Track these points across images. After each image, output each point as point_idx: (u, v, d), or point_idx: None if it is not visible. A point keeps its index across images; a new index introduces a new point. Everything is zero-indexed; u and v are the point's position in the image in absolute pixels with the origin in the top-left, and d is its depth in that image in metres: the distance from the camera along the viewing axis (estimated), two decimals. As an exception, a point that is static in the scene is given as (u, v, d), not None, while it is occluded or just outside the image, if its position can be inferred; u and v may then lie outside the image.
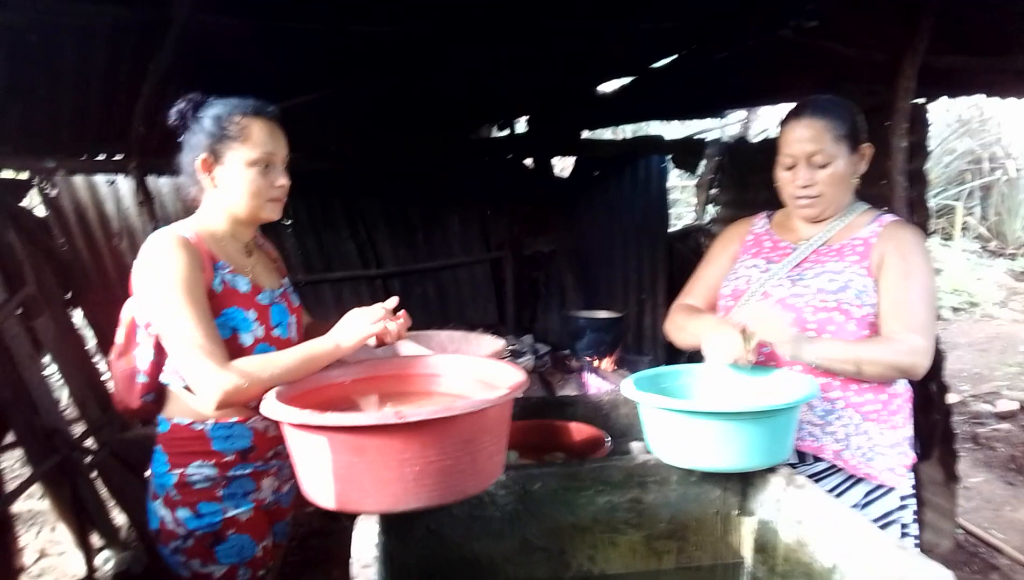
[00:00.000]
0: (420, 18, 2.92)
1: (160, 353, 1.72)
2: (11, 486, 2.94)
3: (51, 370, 3.45)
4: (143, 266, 1.64)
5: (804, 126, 1.79)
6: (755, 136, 5.91)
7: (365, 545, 1.20)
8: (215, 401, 1.55)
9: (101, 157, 3.74)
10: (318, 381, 1.60)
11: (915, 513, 1.89)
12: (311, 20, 2.88)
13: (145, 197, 3.58)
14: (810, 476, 1.71)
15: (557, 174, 5.77)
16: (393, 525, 1.33)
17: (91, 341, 3.73)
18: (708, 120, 6.03)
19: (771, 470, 1.53)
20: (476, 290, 5.40)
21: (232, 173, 1.69)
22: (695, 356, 2.10)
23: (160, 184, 3.95)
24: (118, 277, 3.79)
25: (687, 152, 5.33)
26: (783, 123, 1.86)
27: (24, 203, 3.62)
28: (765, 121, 7.42)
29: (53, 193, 3.65)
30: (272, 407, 1.35)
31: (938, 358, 2.86)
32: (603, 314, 4.73)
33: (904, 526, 1.84)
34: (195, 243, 1.66)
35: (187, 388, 1.69)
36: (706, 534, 1.57)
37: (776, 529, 1.48)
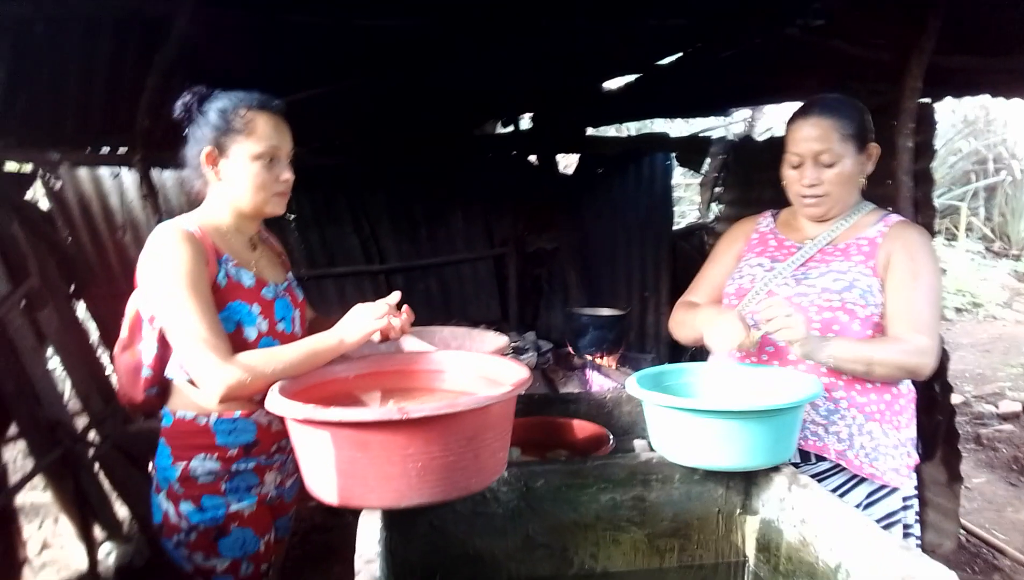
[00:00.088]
0: (424, 14, 2.92)
1: (164, 347, 1.72)
2: (14, 478, 2.94)
3: (54, 363, 3.45)
4: (148, 259, 1.64)
5: (811, 125, 1.79)
6: (760, 134, 5.90)
7: (368, 541, 1.20)
8: (218, 395, 1.56)
9: (105, 150, 3.75)
10: (322, 376, 1.60)
11: (917, 514, 1.89)
12: (316, 14, 2.87)
13: (149, 190, 3.58)
14: (813, 476, 1.71)
15: (561, 171, 5.77)
16: (396, 521, 1.33)
17: (94, 334, 3.73)
18: (713, 118, 6.01)
19: (775, 469, 1.52)
20: (479, 286, 5.40)
21: (237, 167, 1.69)
22: (697, 354, 2.10)
23: (164, 178, 3.95)
24: (122, 270, 3.80)
25: (692, 150, 5.32)
26: (790, 121, 1.86)
27: (28, 196, 3.63)
28: (770, 119, 7.41)
29: (57, 186, 3.65)
30: (276, 402, 1.35)
31: (942, 359, 2.85)
32: (606, 311, 4.73)
33: (907, 527, 1.84)
34: (199, 237, 1.66)
35: (191, 382, 1.69)
36: (709, 533, 1.57)
37: (780, 528, 1.48)
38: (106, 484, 3.28)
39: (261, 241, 1.87)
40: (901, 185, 2.61)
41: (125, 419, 3.29)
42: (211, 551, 1.74)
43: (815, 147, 1.78)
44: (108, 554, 3.21)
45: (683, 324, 1.97)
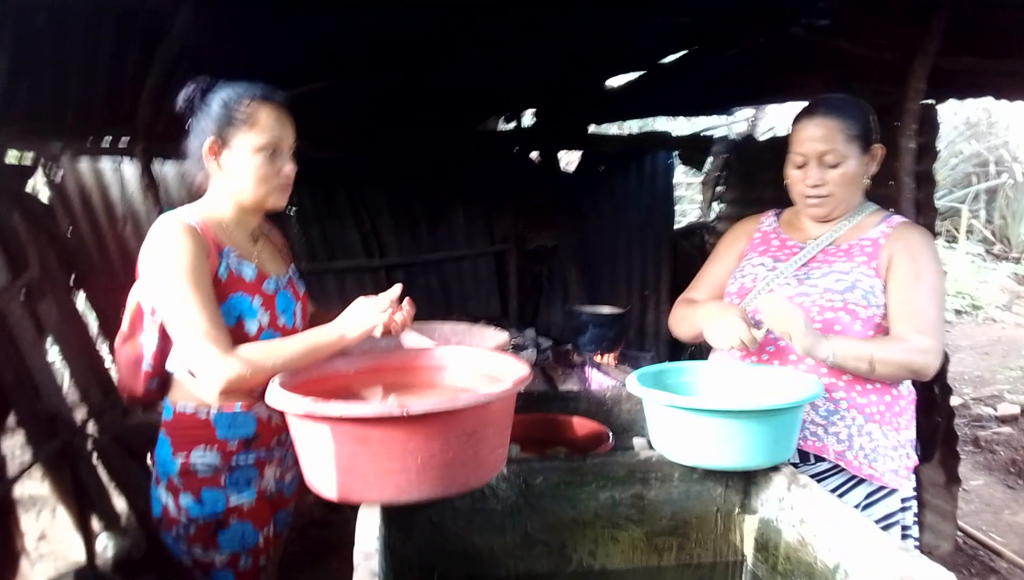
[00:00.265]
0: (424, 9, 2.91)
1: (165, 340, 1.71)
2: (13, 470, 2.94)
3: (54, 355, 3.45)
4: (149, 251, 1.64)
5: (816, 125, 1.78)
6: (762, 134, 5.90)
7: (367, 536, 1.20)
8: (218, 388, 1.56)
9: (107, 140, 3.74)
10: (322, 371, 1.60)
11: (916, 515, 1.89)
12: (317, 8, 2.86)
13: (150, 182, 3.58)
14: (812, 476, 1.71)
15: (563, 169, 5.77)
16: (395, 517, 1.33)
17: (94, 326, 3.73)
18: (715, 117, 6.01)
19: (774, 469, 1.52)
20: (479, 283, 5.40)
21: (239, 159, 1.68)
22: (697, 353, 2.10)
23: (165, 170, 3.95)
24: (122, 262, 3.80)
25: (694, 149, 5.32)
26: (795, 121, 1.85)
27: (29, 188, 3.62)
28: (773, 120, 7.39)
29: (58, 178, 3.65)
30: (276, 396, 1.35)
31: (942, 360, 2.85)
32: (606, 310, 4.72)
33: (905, 528, 1.84)
34: (201, 231, 1.65)
35: (192, 374, 1.69)
36: (707, 531, 1.57)
37: (778, 528, 1.48)
38: (104, 476, 3.28)
39: (263, 234, 1.87)
40: (903, 186, 2.61)
41: (124, 411, 3.29)
42: (210, 544, 1.74)
43: (819, 147, 1.78)
44: (106, 547, 3.20)
45: (683, 320, 1.96)
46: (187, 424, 1.72)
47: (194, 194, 1.79)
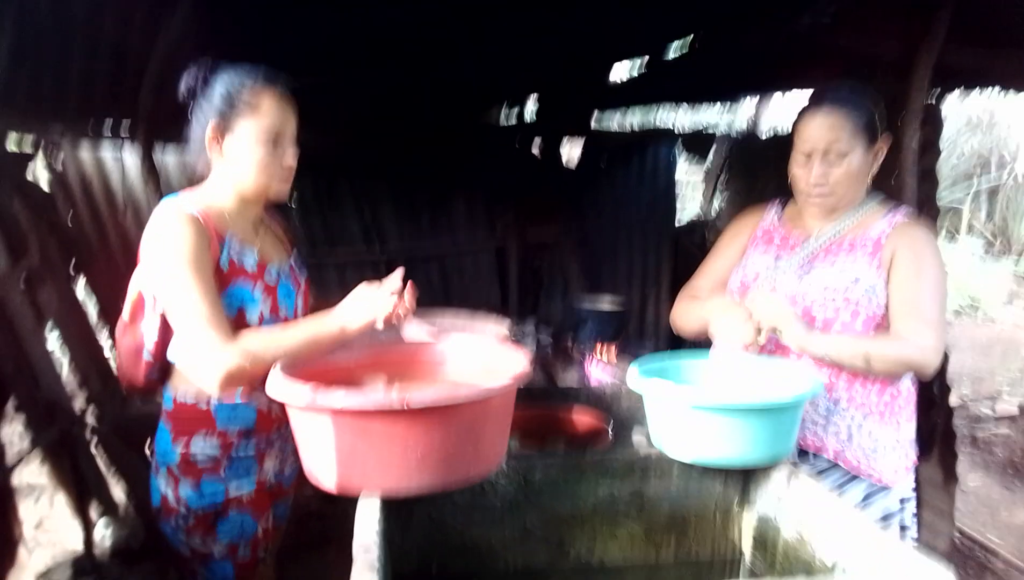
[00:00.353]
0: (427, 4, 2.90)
1: (166, 329, 1.70)
2: (11, 458, 2.94)
3: (53, 342, 3.44)
4: (150, 239, 1.63)
5: (822, 118, 1.76)
6: (764, 131, 5.88)
7: (366, 528, 1.20)
8: (218, 378, 1.54)
9: (108, 125, 3.72)
10: (322, 362, 1.59)
11: (915, 514, 1.89)
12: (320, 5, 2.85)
13: (151, 169, 3.56)
14: (810, 473, 1.71)
15: (564, 164, 5.75)
16: (394, 510, 1.33)
17: (94, 314, 3.72)
18: (717, 113, 6.00)
19: (773, 465, 1.52)
20: (480, 276, 5.40)
21: (241, 145, 1.66)
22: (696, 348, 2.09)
23: (166, 159, 3.94)
24: (122, 250, 3.79)
25: (696, 143, 5.32)
26: (800, 114, 1.83)
27: (29, 175, 3.61)
28: (774, 116, 7.37)
29: (58, 165, 3.63)
30: (276, 387, 1.35)
31: (942, 358, 2.85)
32: (606, 304, 4.72)
33: (903, 526, 1.84)
34: (203, 220, 1.63)
35: (191, 364, 1.68)
36: (706, 527, 1.57)
37: (777, 525, 1.48)
38: (103, 465, 3.28)
39: (264, 223, 1.86)
40: (905, 184, 2.60)
41: (123, 400, 3.28)
42: (209, 534, 1.74)
43: (824, 142, 1.75)
44: (104, 535, 3.21)
45: (687, 314, 1.95)
46: (187, 414, 1.71)
47: (195, 182, 1.78)
